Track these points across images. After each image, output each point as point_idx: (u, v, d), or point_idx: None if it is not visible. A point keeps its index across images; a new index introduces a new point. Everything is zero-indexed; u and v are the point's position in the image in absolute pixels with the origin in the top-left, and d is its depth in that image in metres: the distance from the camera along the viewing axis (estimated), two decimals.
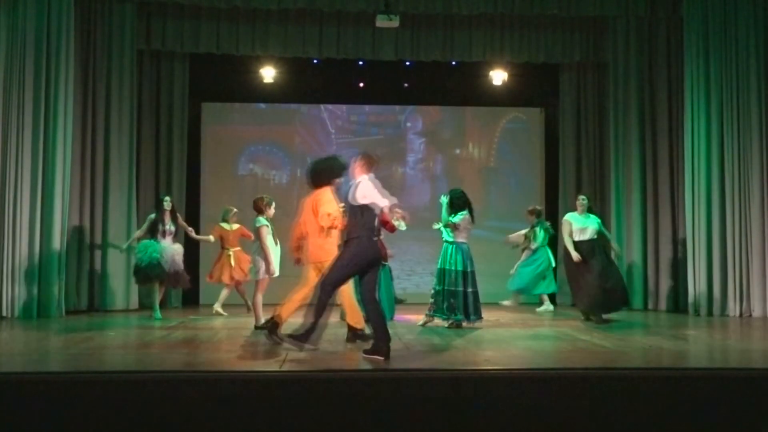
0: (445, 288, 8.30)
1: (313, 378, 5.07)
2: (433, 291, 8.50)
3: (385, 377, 5.12)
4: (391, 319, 8.57)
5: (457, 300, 8.25)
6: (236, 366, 5.66)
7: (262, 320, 8.05)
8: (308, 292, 6.59)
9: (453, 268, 8.32)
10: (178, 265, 9.56)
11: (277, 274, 8.13)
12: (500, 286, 10.42)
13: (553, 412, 4.77)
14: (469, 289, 8.34)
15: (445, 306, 8.30)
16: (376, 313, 5.97)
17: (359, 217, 5.98)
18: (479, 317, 8.39)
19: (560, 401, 4.84)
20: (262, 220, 8.15)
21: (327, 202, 6.79)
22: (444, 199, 8.59)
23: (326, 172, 6.93)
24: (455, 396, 4.83)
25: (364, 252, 5.93)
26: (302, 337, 6.02)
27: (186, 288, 10.20)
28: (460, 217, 8.41)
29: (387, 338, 5.86)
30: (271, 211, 8.33)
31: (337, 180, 6.92)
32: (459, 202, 8.51)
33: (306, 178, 7.36)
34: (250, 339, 7.34)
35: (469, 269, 8.40)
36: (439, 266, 8.46)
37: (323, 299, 5.99)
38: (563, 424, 4.75)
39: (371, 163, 6.25)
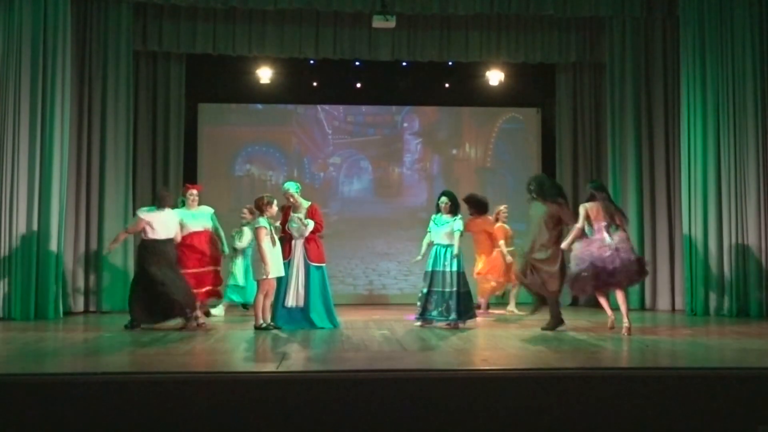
0: (443, 290, 8.31)
1: (311, 378, 5.07)
2: (422, 293, 8.48)
3: (382, 377, 5.13)
4: (337, 326, 8.27)
5: (453, 301, 8.28)
6: (234, 367, 5.67)
7: (261, 321, 8.06)
8: None
9: (448, 269, 8.34)
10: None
11: (273, 275, 8.10)
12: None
13: (551, 412, 4.78)
14: (462, 290, 8.38)
15: (443, 308, 8.31)
16: None
17: None
18: (472, 316, 8.43)
19: (558, 401, 4.85)
20: (261, 221, 8.13)
21: None
22: (442, 201, 8.59)
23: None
24: (453, 396, 4.84)
25: None
26: None
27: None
28: (461, 222, 8.45)
29: None
30: (273, 209, 8.28)
31: None
32: (456, 202, 8.55)
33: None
34: (249, 340, 7.35)
35: (462, 270, 8.43)
36: (431, 268, 8.44)
37: None
38: (561, 424, 4.76)
39: None
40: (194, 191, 8.89)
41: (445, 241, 8.41)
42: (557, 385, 4.98)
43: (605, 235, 7.69)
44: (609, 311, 7.89)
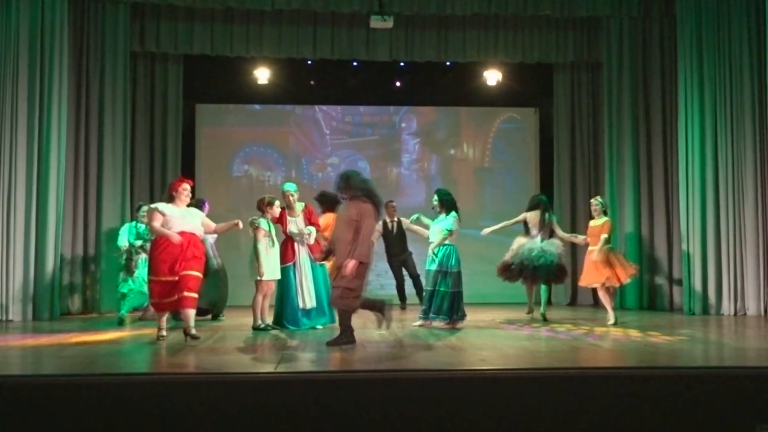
0: (449, 290, 8.32)
1: (310, 378, 5.07)
2: (426, 292, 8.50)
3: (381, 378, 5.13)
4: (334, 322, 8.18)
5: (450, 301, 8.31)
6: (233, 367, 5.66)
7: (260, 321, 8.06)
8: None
9: (456, 269, 8.36)
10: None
11: (267, 277, 8.08)
12: (496, 287, 10.39)
13: (550, 412, 4.78)
14: (458, 289, 8.43)
15: (440, 307, 8.31)
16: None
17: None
18: (464, 315, 8.47)
19: (556, 401, 4.85)
20: (261, 221, 8.12)
21: None
22: (434, 200, 8.62)
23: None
24: (452, 396, 4.84)
25: None
26: None
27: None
28: (452, 221, 8.43)
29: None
30: (275, 210, 8.25)
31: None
32: (448, 200, 8.54)
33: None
34: (247, 340, 7.34)
35: (459, 269, 8.45)
36: (436, 268, 8.43)
37: None
38: (560, 424, 4.76)
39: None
40: (186, 185, 7.34)
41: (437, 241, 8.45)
42: (556, 385, 4.98)
43: (538, 239, 9.23)
44: (530, 300, 9.61)
